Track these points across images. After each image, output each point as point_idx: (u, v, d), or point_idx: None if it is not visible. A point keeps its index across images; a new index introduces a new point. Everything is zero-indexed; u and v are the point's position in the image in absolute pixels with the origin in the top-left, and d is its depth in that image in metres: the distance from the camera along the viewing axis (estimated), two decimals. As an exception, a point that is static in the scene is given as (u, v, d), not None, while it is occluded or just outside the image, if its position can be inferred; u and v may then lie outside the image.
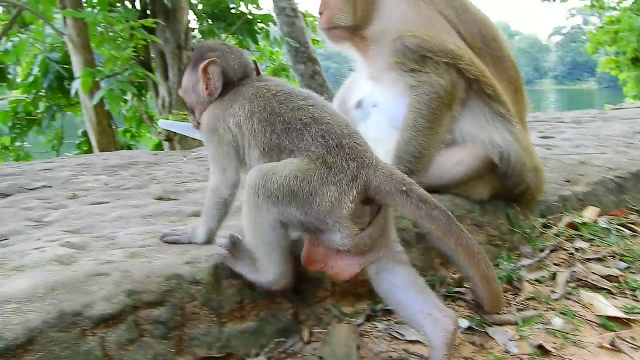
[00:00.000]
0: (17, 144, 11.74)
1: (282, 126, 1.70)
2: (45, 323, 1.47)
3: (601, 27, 14.97)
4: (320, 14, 2.59)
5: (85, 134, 12.27)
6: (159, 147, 11.76)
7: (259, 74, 2.00)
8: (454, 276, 2.32)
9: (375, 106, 2.62)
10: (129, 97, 10.73)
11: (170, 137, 10.08)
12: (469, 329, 1.98)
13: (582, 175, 3.06)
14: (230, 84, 1.90)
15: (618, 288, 2.22)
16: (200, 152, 5.15)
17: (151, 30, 9.44)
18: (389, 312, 2.06)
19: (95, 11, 8.97)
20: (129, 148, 12.59)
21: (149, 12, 9.75)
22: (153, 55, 10.59)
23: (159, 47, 10.04)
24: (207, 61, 1.87)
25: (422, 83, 2.36)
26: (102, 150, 10.06)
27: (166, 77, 10.26)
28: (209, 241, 1.92)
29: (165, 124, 3.39)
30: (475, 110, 2.44)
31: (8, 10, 11.13)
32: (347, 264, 1.73)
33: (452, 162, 2.41)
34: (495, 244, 2.52)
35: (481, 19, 2.52)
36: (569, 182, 2.98)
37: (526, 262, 2.44)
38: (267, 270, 1.71)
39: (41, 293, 1.55)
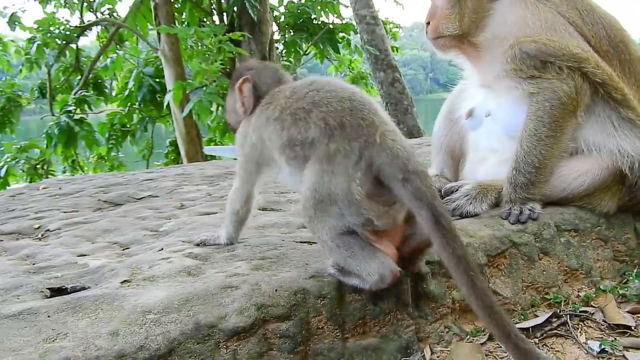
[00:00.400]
0: (112, 153, 12.48)
1: (289, 119, 1.72)
2: (183, 334, 1.51)
3: None
4: (427, 23, 2.54)
5: (173, 143, 12.85)
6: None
7: None
8: (580, 294, 2.18)
9: (488, 115, 2.52)
10: (213, 107, 11.10)
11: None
12: (602, 351, 1.84)
13: None
14: (261, 99, 1.94)
15: None
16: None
17: (237, 43, 9.74)
18: (513, 331, 1.96)
19: (186, 27, 9.36)
20: (213, 158, 13.08)
21: (235, 25, 10.04)
22: (238, 65, 10.92)
23: (244, 58, 10.32)
24: (241, 79, 1.95)
25: (543, 89, 2.24)
26: (190, 159, 10.47)
27: (251, 88, 10.52)
28: (230, 243, 2.12)
29: (212, 149, 3.56)
30: (601, 116, 2.29)
31: (107, 28, 11.87)
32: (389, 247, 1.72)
33: (575, 173, 2.27)
34: (622, 259, 2.35)
35: (608, 20, 2.37)
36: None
37: (659, 280, 2.25)
38: (364, 274, 1.67)
39: (177, 304, 1.59)
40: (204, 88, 9.23)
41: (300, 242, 2.25)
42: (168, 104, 9.48)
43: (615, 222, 2.36)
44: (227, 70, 10.48)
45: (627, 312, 2.06)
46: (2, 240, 2.85)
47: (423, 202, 1.54)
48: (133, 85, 11.09)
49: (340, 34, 11.42)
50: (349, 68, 14.01)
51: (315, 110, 1.68)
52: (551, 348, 1.88)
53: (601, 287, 2.23)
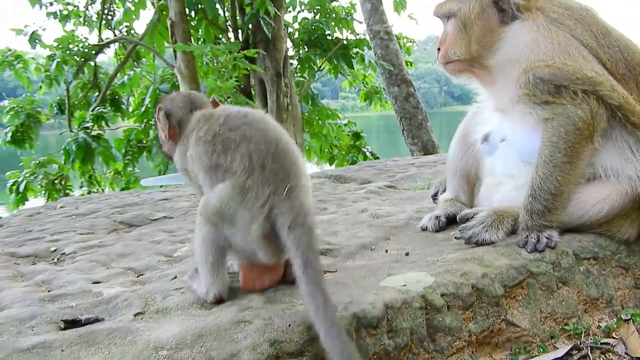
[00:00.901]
0: (129, 169, 12.59)
1: (221, 146, 1.85)
2: (195, 371, 1.49)
3: None
4: (438, 49, 2.55)
5: (188, 159, 12.93)
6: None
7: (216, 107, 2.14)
8: (600, 324, 2.13)
9: (503, 140, 2.49)
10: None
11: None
12: (627, 387, 1.79)
13: None
14: (184, 123, 2.09)
15: None
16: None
17: (252, 60, 9.82)
18: (531, 365, 1.92)
19: (202, 44, 9.46)
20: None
21: (250, 42, 10.13)
22: (252, 82, 11.00)
23: (259, 75, 10.40)
24: (156, 110, 2.16)
25: (558, 115, 2.21)
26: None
27: (265, 104, 10.59)
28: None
29: (149, 181, 3.66)
30: (618, 141, 2.25)
31: (124, 45, 12.04)
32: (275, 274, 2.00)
33: (593, 199, 2.23)
34: (644, 288, 2.29)
35: (625, 43, 2.33)
36: None
37: (682, 310, 2.19)
38: (202, 282, 1.89)
39: (189, 340, 1.59)
40: (220, 105, 9.28)
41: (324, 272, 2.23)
42: (184, 120, 9.55)
43: (636, 249, 2.31)
44: (242, 86, 10.57)
45: (650, 344, 2.01)
46: (18, 264, 2.87)
47: (299, 251, 1.69)
48: (149, 101, 11.20)
49: (354, 50, 11.45)
50: (363, 83, 14.02)
51: (244, 144, 1.82)
52: (571, 383, 1.83)
53: (622, 316, 2.17)
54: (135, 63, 12.55)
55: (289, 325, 1.64)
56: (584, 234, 2.27)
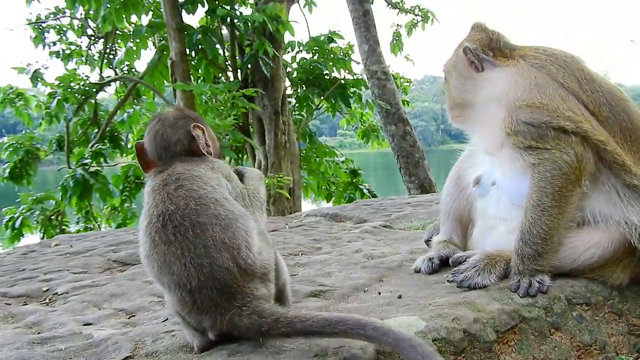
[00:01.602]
0: (126, 205, 12.58)
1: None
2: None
3: None
4: None
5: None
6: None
7: (197, 151, 2.05)
8: (594, 371, 2.11)
9: (494, 184, 2.52)
10: (226, 160, 11.25)
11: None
12: None
13: None
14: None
15: None
16: (303, 219, 5.22)
17: (251, 98, 9.95)
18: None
19: (202, 83, 9.60)
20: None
21: (249, 81, 10.28)
22: (250, 120, 11.12)
23: (257, 113, 10.52)
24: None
25: (544, 160, 2.25)
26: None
27: (263, 141, 10.68)
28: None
29: None
30: (605, 185, 2.27)
31: (125, 83, 12.22)
32: None
33: (585, 244, 2.24)
34: (638, 333, 2.28)
35: (610, 90, 2.38)
36: None
37: (677, 356, 2.18)
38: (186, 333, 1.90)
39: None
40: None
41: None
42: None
43: (629, 295, 2.31)
44: (241, 124, 10.68)
45: (644, 392, 1.99)
46: (10, 304, 2.85)
47: None
48: (148, 138, 11.29)
49: (352, 89, 11.63)
50: (360, 121, 14.18)
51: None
52: None
53: (616, 363, 2.16)
54: (135, 101, 12.72)
55: (279, 371, 1.63)
56: (576, 279, 2.28)
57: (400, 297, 2.32)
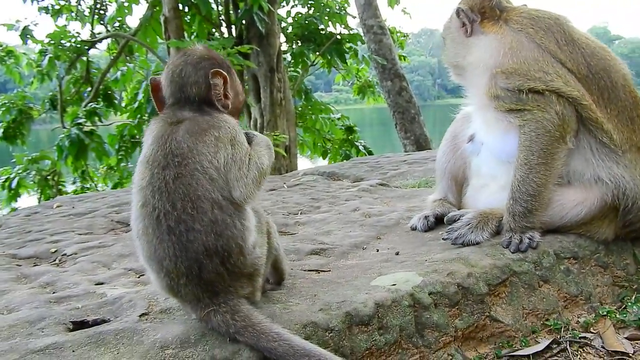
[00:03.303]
0: (122, 164, 12.62)
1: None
2: (198, 369, 1.60)
3: None
4: None
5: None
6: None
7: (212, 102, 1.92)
8: (579, 320, 2.25)
9: (482, 143, 2.61)
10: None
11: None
12: (603, 379, 1.91)
13: None
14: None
15: None
16: (301, 178, 5.31)
17: (245, 55, 9.87)
18: (514, 358, 2.04)
19: (195, 39, 9.49)
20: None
21: (244, 38, 10.17)
22: (245, 77, 11.05)
23: (252, 70, 10.45)
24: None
25: (528, 121, 2.33)
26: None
27: (258, 99, 10.66)
28: None
29: None
30: (582, 142, 2.36)
31: (117, 40, 12.03)
32: None
33: (573, 202, 2.35)
34: (621, 285, 2.42)
35: (592, 50, 2.42)
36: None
37: (657, 305, 2.32)
38: None
39: (193, 339, 1.69)
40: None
41: (309, 271, 2.34)
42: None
43: (614, 249, 2.43)
44: (236, 82, 10.60)
45: (626, 338, 2.13)
46: (20, 266, 2.96)
47: None
48: (143, 97, 11.23)
49: (348, 44, 11.52)
50: (356, 77, 14.09)
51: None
52: (551, 375, 1.95)
53: (600, 312, 2.30)
54: (127, 58, 12.56)
55: (287, 323, 1.74)
56: (565, 234, 2.39)
57: (397, 253, 2.44)
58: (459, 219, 2.45)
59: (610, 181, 2.29)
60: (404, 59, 14.65)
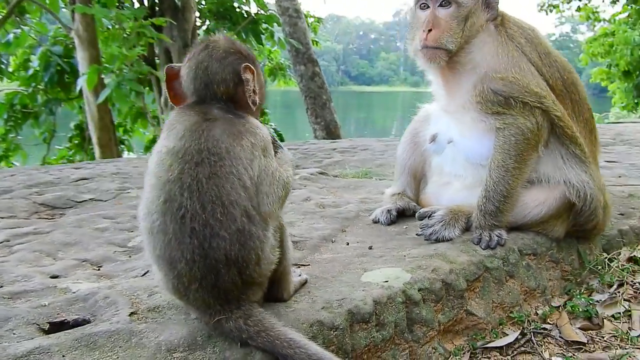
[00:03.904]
0: (10, 135, 11.53)
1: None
2: (211, 373, 1.53)
3: (594, 39, 15.33)
4: (429, 30, 2.54)
5: (78, 127, 12.15)
6: (152, 142, 11.74)
7: (242, 99, 1.80)
8: (537, 312, 2.44)
9: (450, 142, 2.71)
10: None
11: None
12: (566, 367, 2.09)
13: (633, 208, 3.21)
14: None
15: (690, 326, 2.36)
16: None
17: (158, 28, 9.37)
18: (488, 350, 2.16)
19: (104, 7, 8.84)
20: (122, 143, 12.55)
21: (156, 10, 9.65)
22: (157, 52, 10.52)
23: (165, 44, 9.96)
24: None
25: (509, 125, 2.46)
26: (102, 146, 9.97)
27: (170, 75, 10.19)
28: None
29: None
30: (554, 151, 2.55)
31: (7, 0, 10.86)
32: None
33: (534, 202, 2.52)
34: (568, 278, 2.64)
35: (562, 62, 2.62)
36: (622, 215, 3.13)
37: (598, 297, 2.57)
38: None
39: (201, 341, 1.61)
40: (124, 74, 8.88)
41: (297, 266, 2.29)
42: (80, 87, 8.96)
43: (564, 246, 2.65)
44: (146, 56, 10.07)
45: (579, 328, 2.34)
46: (-56, 254, 2.62)
47: None
48: (39, 64, 10.30)
49: (264, 25, 11.34)
50: (268, 59, 13.94)
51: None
52: (523, 365, 2.11)
53: (553, 304, 2.51)
54: (17, 19, 11.40)
55: (294, 323, 1.72)
56: (525, 232, 2.57)
57: (371, 248, 2.48)
58: (431, 216, 2.54)
59: (578, 184, 2.48)
60: (316, 44, 14.72)
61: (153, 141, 11.76)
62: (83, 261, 2.46)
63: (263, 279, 1.72)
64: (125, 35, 9.03)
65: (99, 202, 3.71)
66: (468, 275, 2.23)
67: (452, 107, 2.70)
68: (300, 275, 2.04)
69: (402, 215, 2.91)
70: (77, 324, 1.75)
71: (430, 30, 2.52)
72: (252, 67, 1.79)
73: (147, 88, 11.03)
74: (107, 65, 9.21)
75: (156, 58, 10.59)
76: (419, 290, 2.05)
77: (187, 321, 1.71)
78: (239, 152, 1.64)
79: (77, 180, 4.34)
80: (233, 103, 1.77)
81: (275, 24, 11.70)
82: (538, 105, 2.46)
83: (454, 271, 2.19)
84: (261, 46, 12.01)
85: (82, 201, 3.77)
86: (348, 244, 2.59)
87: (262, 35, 11.34)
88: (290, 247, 1.89)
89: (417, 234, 2.54)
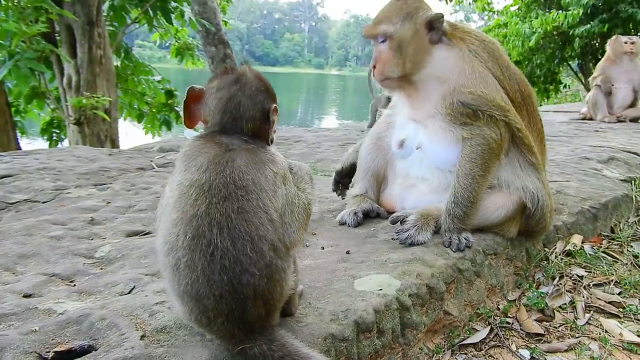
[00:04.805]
0: None
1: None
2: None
3: (490, 30, 16.31)
4: (374, 67, 2.78)
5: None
6: (49, 125, 10.95)
7: (264, 136, 1.81)
8: (499, 307, 2.67)
9: (419, 148, 2.85)
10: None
11: (80, 120, 9.42)
12: (532, 358, 2.33)
13: (562, 204, 3.57)
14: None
15: (623, 312, 2.71)
16: (166, 155, 5.01)
17: (59, 3, 8.70)
18: (464, 346, 2.35)
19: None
20: (14, 125, 11.55)
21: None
22: (57, 28, 9.74)
23: (67, 21, 9.25)
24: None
25: (475, 135, 2.64)
26: (-4, 130, 9.17)
27: (73, 54, 9.51)
28: None
29: None
30: (513, 159, 2.78)
31: None
32: None
33: (495, 206, 2.73)
34: (519, 273, 2.91)
35: (519, 75, 2.84)
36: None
37: (544, 289, 2.86)
38: None
39: (228, 364, 1.61)
40: (23, 53, 8.18)
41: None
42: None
43: (516, 244, 2.90)
44: (45, 33, 9.29)
45: (535, 320, 2.60)
46: None
47: None
48: None
49: (173, 4, 10.88)
50: (174, 37, 13.40)
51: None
52: (495, 359, 2.31)
53: (509, 298, 2.75)
54: None
55: (309, 337, 1.76)
56: (485, 233, 2.78)
57: (348, 252, 2.56)
58: (404, 221, 2.67)
59: (532, 191, 2.72)
60: (226, 24, 14.38)
61: (50, 123, 10.96)
62: (51, 276, 2.32)
63: (283, 304, 1.74)
64: (21, 10, 8.30)
65: (37, 204, 3.45)
66: (446, 278, 2.39)
67: (419, 115, 2.83)
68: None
69: (366, 216, 3.03)
70: (84, 351, 1.67)
71: (374, 66, 2.77)
72: (277, 107, 1.81)
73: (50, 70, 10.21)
74: (1, 42, 8.44)
75: (56, 35, 9.81)
76: (409, 296, 2.17)
77: (205, 342, 1.69)
78: (264, 183, 1.63)
79: (0, 178, 3.99)
80: (254, 137, 1.77)
81: (185, 3, 11.27)
82: (503, 118, 2.66)
83: (435, 275, 2.34)
84: (171, 24, 11.52)
85: (15, 202, 3.49)
86: (323, 248, 2.66)
87: (171, 15, 10.87)
88: (297, 264, 1.91)
89: (392, 238, 2.66)
